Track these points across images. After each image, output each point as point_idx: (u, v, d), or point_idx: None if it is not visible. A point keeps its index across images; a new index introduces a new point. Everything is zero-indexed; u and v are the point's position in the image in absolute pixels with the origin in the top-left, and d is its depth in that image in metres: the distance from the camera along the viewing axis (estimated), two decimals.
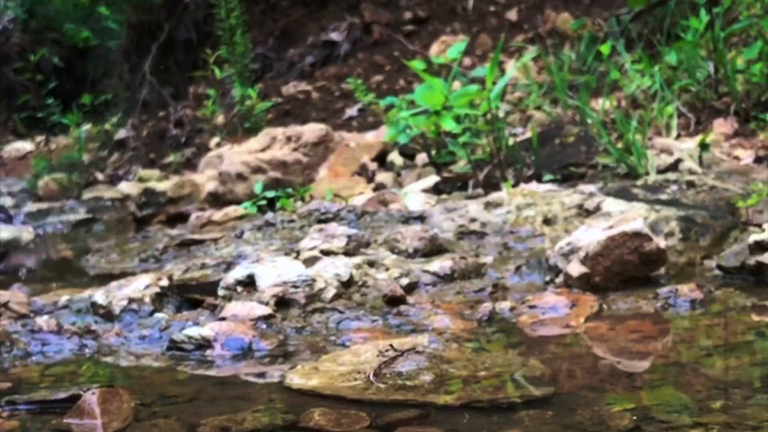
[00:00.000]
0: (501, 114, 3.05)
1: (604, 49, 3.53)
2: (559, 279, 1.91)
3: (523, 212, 2.30)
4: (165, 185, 3.85)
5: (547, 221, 2.26)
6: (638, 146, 2.59)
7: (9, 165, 5.20)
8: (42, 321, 1.72)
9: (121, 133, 5.23)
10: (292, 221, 2.44)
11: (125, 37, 5.72)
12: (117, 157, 5.13)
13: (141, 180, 4.50)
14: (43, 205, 3.93)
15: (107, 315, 1.85)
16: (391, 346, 1.39)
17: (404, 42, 5.17)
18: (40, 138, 5.38)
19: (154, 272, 2.04)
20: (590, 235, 1.94)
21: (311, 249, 2.07)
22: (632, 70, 3.33)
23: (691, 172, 2.54)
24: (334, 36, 5.33)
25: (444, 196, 2.78)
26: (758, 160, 2.72)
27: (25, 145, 5.61)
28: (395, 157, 3.51)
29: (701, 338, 1.55)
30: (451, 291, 1.94)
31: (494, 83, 2.74)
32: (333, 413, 1.20)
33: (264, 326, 1.68)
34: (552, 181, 2.68)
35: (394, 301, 1.80)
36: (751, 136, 2.86)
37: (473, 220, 2.31)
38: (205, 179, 3.74)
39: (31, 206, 4.05)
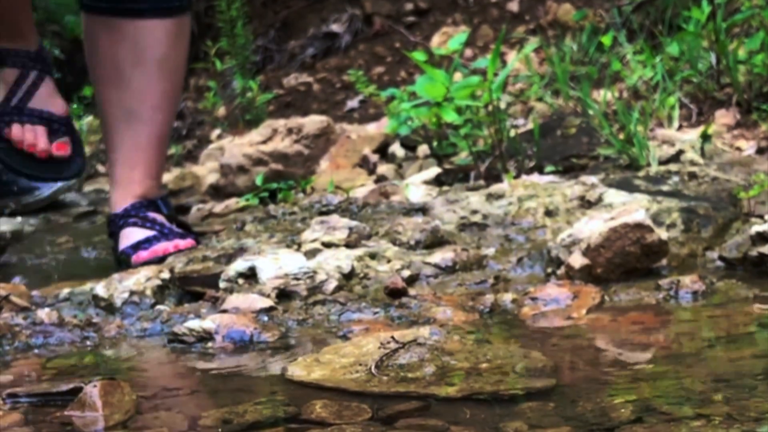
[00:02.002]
0: (502, 105, 3.05)
1: (606, 40, 3.53)
2: (561, 271, 1.91)
3: (525, 204, 2.30)
4: (166, 177, 3.85)
5: (548, 213, 2.26)
6: (640, 137, 2.58)
7: None
8: (43, 313, 1.72)
9: None
10: (293, 213, 2.44)
11: None
12: None
13: None
14: None
15: (108, 307, 1.85)
16: (392, 338, 1.39)
17: (405, 33, 5.16)
18: None
19: (155, 264, 2.04)
20: (592, 227, 1.94)
21: (313, 241, 2.06)
22: (634, 61, 3.32)
23: (693, 163, 2.53)
24: (335, 27, 5.32)
25: (445, 188, 2.78)
26: (760, 151, 2.71)
27: None
28: (396, 149, 3.51)
29: (703, 330, 1.55)
30: (453, 283, 1.94)
31: (496, 75, 2.74)
32: (334, 405, 1.20)
33: (265, 318, 1.68)
34: (553, 172, 2.68)
35: (395, 293, 1.80)
36: (753, 127, 2.86)
37: (475, 211, 2.30)
38: (206, 171, 3.74)
39: None
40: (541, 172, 2.69)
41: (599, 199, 2.25)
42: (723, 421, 1.07)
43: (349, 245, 2.06)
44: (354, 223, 2.15)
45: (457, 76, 3.19)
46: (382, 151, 3.61)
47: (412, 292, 1.83)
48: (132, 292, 1.86)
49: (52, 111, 2.37)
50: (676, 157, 2.57)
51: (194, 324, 1.61)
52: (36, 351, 1.60)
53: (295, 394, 1.27)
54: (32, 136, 2.30)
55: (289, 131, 3.80)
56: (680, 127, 2.92)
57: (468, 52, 4.59)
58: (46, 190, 3.34)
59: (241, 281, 1.87)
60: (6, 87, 2.35)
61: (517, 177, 2.61)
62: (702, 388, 1.20)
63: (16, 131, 2.34)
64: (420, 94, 2.91)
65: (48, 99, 2.36)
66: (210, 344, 1.57)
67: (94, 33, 2.44)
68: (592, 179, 2.38)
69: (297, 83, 5.08)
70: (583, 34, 3.92)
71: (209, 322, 1.61)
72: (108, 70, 2.42)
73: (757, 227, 1.93)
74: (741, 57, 2.99)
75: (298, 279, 1.82)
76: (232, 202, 3.13)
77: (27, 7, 2.44)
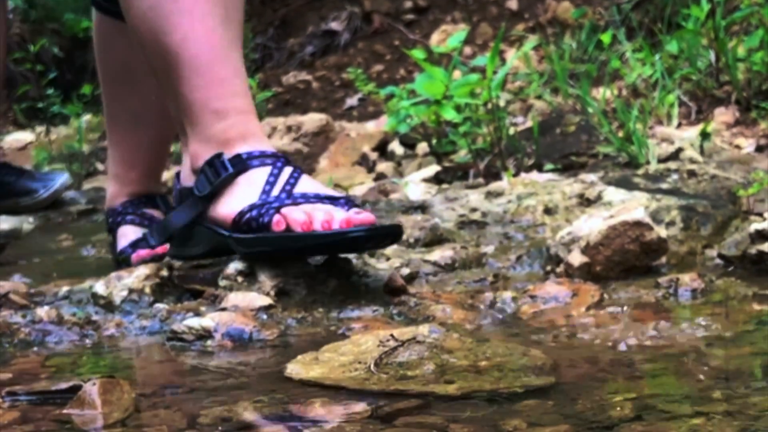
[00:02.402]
0: (502, 103, 3.05)
1: (605, 38, 3.53)
2: (560, 269, 1.91)
3: (524, 202, 2.30)
4: (165, 175, 3.84)
5: (547, 211, 2.26)
6: (639, 135, 2.59)
7: (9, 155, 5.20)
8: (42, 311, 1.72)
9: None
10: None
11: None
12: None
13: None
14: None
15: (108, 305, 1.85)
16: (391, 336, 1.39)
17: (404, 31, 5.16)
18: (40, 128, 5.39)
19: (155, 262, 2.03)
20: (591, 225, 1.94)
21: None
22: (633, 59, 3.32)
23: (692, 161, 2.53)
24: (334, 25, 5.32)
25: (444, 186, 2.78)
26: (759, 149, 2.71)
27: (25, 136, 5.62)
28: (396, 147, 3.51)
29: (702, 328, 1.55)
30: (452, 281, 1.94)
31: (495, 72, 2.74)
32: (334, 403, 1.20)
33: (264, 316, 1.68)
34: (553, 170, 2.68)
35: (394, 291, 1.80)
36: (752, 124, 2.86)
37: (474, 209, 2.30)
38: None
39: None
40: (540, 170, 2.70)
41: (598, 197, 2.25)
42: (722, 419, 1.07)
43: None
44: None
45: (457, 74, 3.19)
46: (382, 149, 3.62)
47: (411, 290, 1.83)
48: (131, 290, 1.85)
49: (329, 193, 1.81)
50: (675, 155, 2.57)
51: (193, 322, 1.61)
52: (35, 349, 1.60)
53: (294, 392, 1.27)
54: (318, 212, 1.73)
55: (289, 129, 3.80)
56: (679, 125, 2.92)
57: (467, 50, 4.59)
58: (45, 192, 3.28)
59: (240, 279, 1.87)
60: (258, 185, 1.81)
61: (516, 175, 2.61)
62: (701, 386, 1.20)
63: (291, 212, 1.74)
64: (419, 92, 2.92)
65: (316, 186, 1.83)
66: (209, 342, 1.57)
67: (108, 35, 2.38)
68: (591, 177, 2.38)
69: (296, 81, 5.08)
70: (582, 32, 3.92)
71: (208, 320, 1.61)
72: (119, 72, 2.37)
73: (756, 225, 1.93)
74: (740, 55, 2.99)
75: (297, 277, 1.82)
76: None
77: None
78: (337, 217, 1.71)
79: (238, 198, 1.80)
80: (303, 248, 1.75)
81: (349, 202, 1.79)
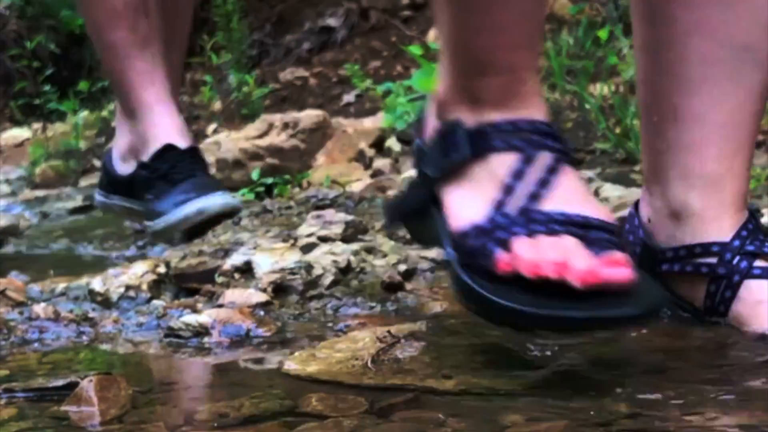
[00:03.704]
0: None
1: (602, 34, 3.53)
2: None
3: None
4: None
5: None
6: (636, 131, 2.59)
7: (6, 152, 5.20)
8: (39, 308, 1.72)
9: None
10: (289, 208, 2.44)
11: None
12: None
13: None
14: (40, 192, 3.93)
15: (105, 302, 1.85)
16: (388, 332, 1.39)
17: (402, 27, 5.15)
18: (37, 125, 5.38)
19: (152, 259, 2.04)
20: None
21: (309, 235, 2.06)
22: (630, 55, 3.32)
23: None
24: (331, 21, 5.32)
25: None
26: (756, 145, 2.71)
27: (22, 133, 5.61)
28: (393, 143, 3.51)
29: (699, 324, 1.55)
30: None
31: None
32: (331, 398, 1.20)
33: (262, 313, 1.68)
34: None
35: (392, 288, 1.80)
36: None
37: None
38: None
39: (28, 193, 4.05)
40: None
41: (596, 194, 2.25)
42: (720, 416, 1.07)
43: (345, 239, 2.06)
44: (350, 217, 2.15)
45: None
46: (379, 145, 3.62)
47: (408, 286, 1.83)
48: (128, 287, 1.85)
49: (586, 214, 1.25)
50: None
51: (190, 319, 1.61)
52: (32, 346, 1.60)
53: (291, 388, 1.27)
54: (556, 253, 1.20)
55: (285, 126, 3.80)
56: None
57: None
58: (165, 220, 2.14)
59: (237, 276, 1.87)
60: (496, 184, 1.28)
61: None
62: (699, 383, 1.20)
63: (522, 248, 1.22)
64: (416, 88, 2.92)
65: (574, 195, 1.27)
66: (206, 339, 1.57)
67: None
68: (588, 173, 2.38)
69: (293, 77, 5.08)
70: (579, 28, 3.92)
71: (205, 316, 1.61)
72: None
73: None
74: None
75: (294, 273, 1.82)
76: None
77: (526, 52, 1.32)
78: (572, 268, 1.18)
79: (466, 201, 1.31)
80: (529, 324, 1.27)
81: (608, 241, 1.25)
